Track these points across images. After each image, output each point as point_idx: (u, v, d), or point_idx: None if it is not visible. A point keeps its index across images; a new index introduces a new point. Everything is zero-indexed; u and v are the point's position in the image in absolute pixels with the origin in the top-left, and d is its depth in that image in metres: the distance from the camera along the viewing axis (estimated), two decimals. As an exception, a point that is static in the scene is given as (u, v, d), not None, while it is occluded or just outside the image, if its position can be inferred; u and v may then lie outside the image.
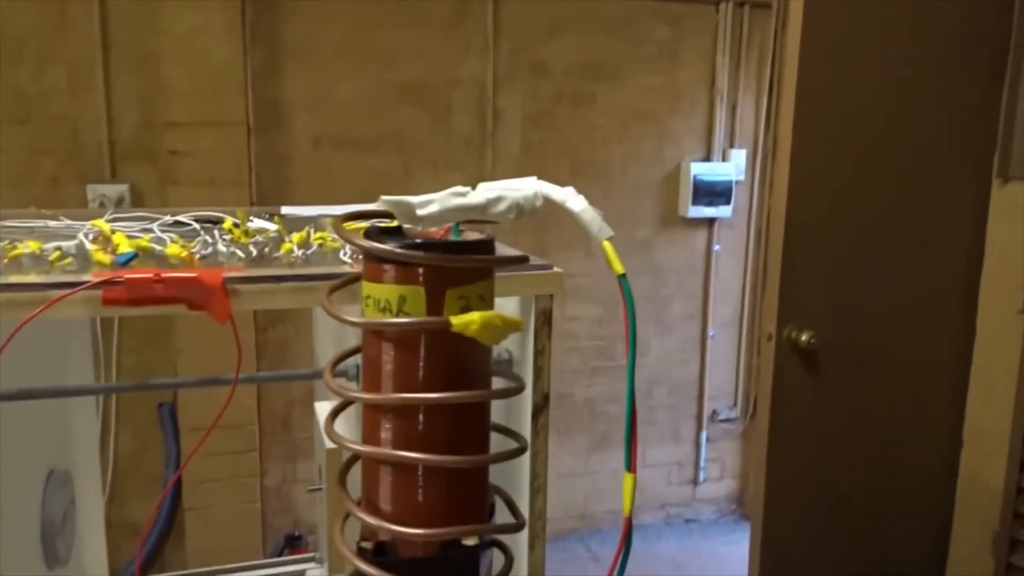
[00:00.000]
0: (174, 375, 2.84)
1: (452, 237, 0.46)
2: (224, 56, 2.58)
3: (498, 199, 0.43)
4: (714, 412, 3.53)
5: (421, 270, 0.43)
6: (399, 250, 0.42)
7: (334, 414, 0.48)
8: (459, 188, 0.43)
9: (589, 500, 3.39)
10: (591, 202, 0.46)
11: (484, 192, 0.43)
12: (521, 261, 0.48)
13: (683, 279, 3.40)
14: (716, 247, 3.37)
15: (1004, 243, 2.42)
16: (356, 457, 0.49)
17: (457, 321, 0.42)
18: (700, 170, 3.22)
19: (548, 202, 0.46)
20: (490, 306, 0.45)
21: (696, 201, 3.20)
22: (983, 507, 2.48)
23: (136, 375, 2.76)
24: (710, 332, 3.47)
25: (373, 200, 0.46)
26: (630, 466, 0.46)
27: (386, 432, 0.43)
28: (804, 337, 2.24)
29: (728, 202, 3.23)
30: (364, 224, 0.48)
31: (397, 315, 0.42)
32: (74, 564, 1.02)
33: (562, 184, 0.46)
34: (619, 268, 0.45)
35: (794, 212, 2.24)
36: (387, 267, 0.43)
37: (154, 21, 2.55)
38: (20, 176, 2.59)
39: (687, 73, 3.23)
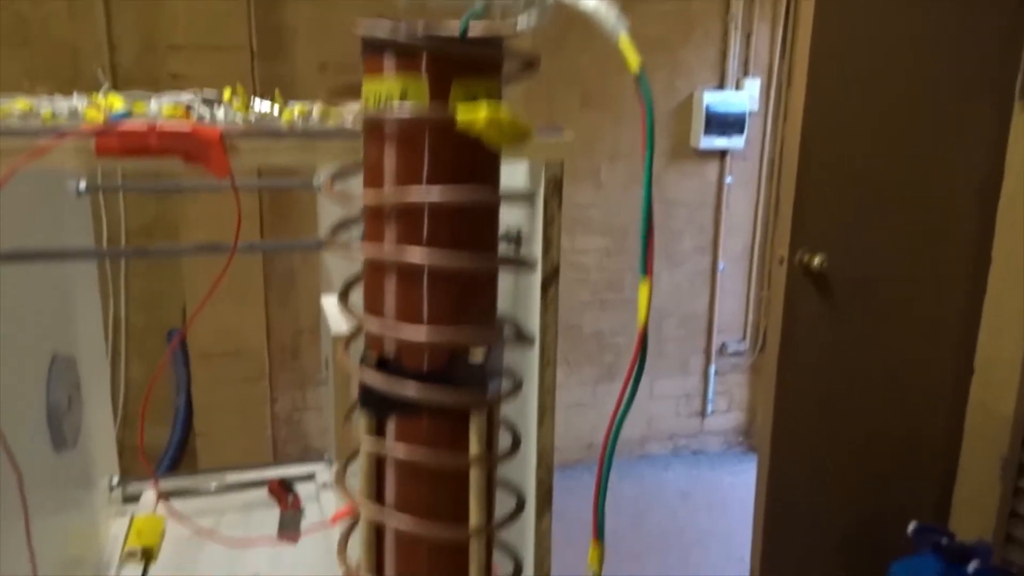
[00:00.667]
0: (183, 302, 2.84)
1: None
2: (227, -25, 2.51)
3: (507, -14, 0.41)
4: (723, 345, 3.53)
5: (424, 58, 0.40)
6: (400, 37, 0.39)
7: (337, 226, 0.45)
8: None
9: (596, 431, 3.41)
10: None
11: (494, -21, 0.41)
12: (534, 61, 0.45)
13: (694, 212, 3.36)
14: (728, 179, 3.32)
15: (1023, 169, 2.37)
16: (356, 280, 0.47)
17: (463, 112, 0.40)
18: (713, 100, 3.15)
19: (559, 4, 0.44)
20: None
21: (708, 132, 3.14)
22: (992, 434, 2.47)
23: (142, 301, 2.76)
24: (720, 265, 3.44)
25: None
26: (646, 270, 0.44)
27: (389, 234, 0.41)
28: (816, 261, 2.22)
29: (741, 132, 3.17)
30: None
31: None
32: (81, 448, 1.03)
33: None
34: (635, 64, 0.42)
35: (809, 135, 2.20)
36: (387, 57, 0.41)
37: (155, -60, 2.48)
38: (21, 101, 2.56)
39: (701, 0, 3.14)
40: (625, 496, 3.25)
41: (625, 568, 2.80)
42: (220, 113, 0.79)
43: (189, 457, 2.91)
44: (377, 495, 0.47)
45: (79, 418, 1.01)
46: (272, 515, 1.34)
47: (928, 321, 2.51)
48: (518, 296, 0.86)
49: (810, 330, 2.32)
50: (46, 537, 0.86)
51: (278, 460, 2.99)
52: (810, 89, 2.22)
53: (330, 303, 1.10)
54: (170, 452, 2.81)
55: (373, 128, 0.42)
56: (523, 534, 0.91)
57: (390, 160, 0.41)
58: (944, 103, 2.30)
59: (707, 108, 3.14)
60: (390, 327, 0.42)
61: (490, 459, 0.46)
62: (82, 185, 1.09)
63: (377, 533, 0.48)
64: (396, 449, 0.44)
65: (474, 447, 0.43)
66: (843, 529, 2.57)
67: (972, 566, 2.22)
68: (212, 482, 1.43)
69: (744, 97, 3.18)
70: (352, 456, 0.51)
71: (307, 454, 3.03)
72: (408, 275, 0.42)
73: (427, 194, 0.41)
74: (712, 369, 3.53)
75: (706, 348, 3.52)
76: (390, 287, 0.42)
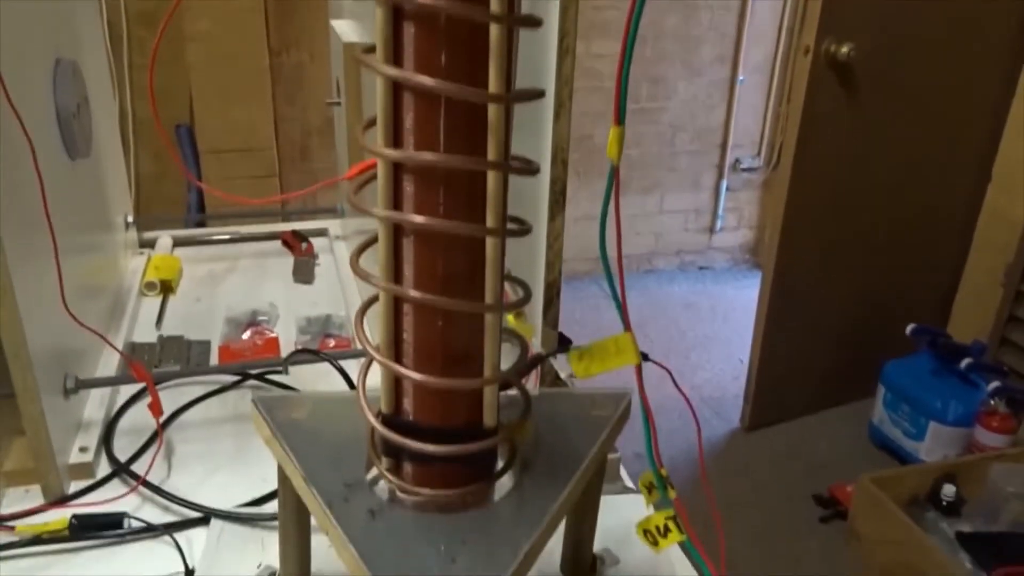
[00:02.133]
0: (189, 100, 2.78)
1: None
2: None
3: None
4: (736, 161, 3.48)
5: None
6: None
7: None
8: None
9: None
10: None
11: None
12: None
13: (716, 18, 3.21)
14: (755, -19, 3.15)
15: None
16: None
17: None
18: None
19: None
20: None
21: (738, -77, 2.94)
22: (1001, 241, 2.47)
23: (147, 94, 2.70)
24: (740, 77, 3.33)
25: None
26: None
27: None
28: (844, 50, 2.13)
29: (773, -77, 2.96)
30: None
31: None
32: (94, 159, 1.02)
33: None
34: None
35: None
36: None
37: None
38: None
39: None
40: (630, 305, 3.29)
41: (626, 369, 2.90)
42: None
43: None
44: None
45: (89, 128, 1.00)
46: (286, 262, 1.36)
47: (951, 121, 2.45)
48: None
49: (829, 131, 2.26)
50: (66, 250, 0.86)
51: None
52: None
53: (338, 23, 1.06)
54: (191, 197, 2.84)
55: None
56: (535, 240, 0.92)
57: None
58: None
59: (738, -100, 2.92)
60: None
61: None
62: None
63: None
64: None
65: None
66: (842, 333, 2.63)
67: (964, 363, 2.29)
68: (225, 233, 1.44)
69: None
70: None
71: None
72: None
73: None
74: (724, 185, 3.50)
75: (719, 163, 3.47)
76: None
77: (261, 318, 1.15)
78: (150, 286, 1.23)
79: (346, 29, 1.02)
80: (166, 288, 1.24)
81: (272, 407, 0.61)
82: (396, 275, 0.50)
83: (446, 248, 0.48)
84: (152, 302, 1.22)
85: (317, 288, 1.29)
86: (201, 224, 2.86)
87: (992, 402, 2.12)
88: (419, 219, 0.47)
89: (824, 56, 2.14)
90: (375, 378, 0.55)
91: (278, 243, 1.42)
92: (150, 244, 1.38)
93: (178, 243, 1.41)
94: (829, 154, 2.30)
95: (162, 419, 0.87)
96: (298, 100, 2.93)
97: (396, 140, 0.47)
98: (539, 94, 0.49)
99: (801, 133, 2.24)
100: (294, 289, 1.28)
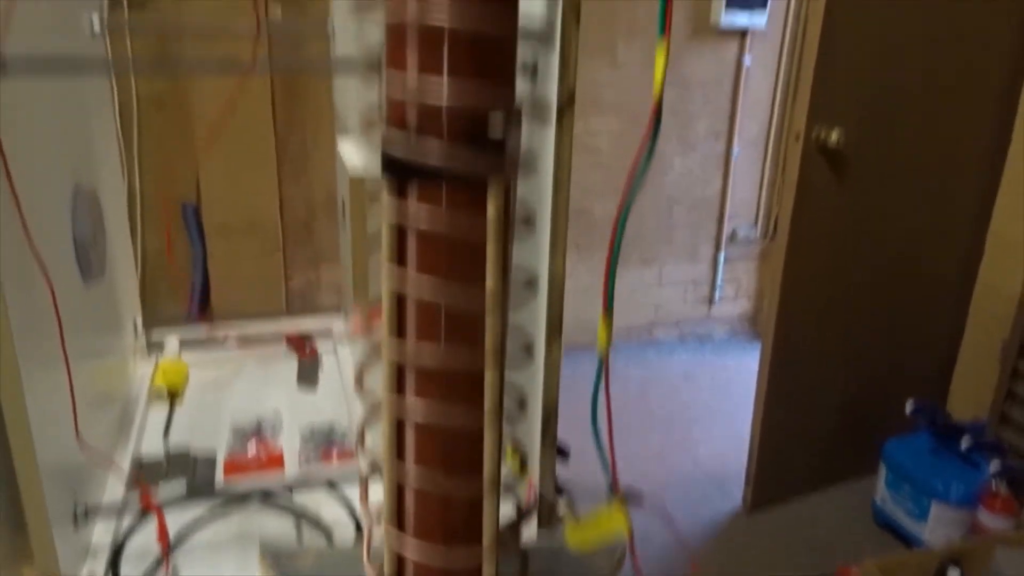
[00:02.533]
0: (195, 177, 2.85)
1: None
2: None
3: None
4: (733, 232, 3.53)
5: None
6: None
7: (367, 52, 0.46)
8: None
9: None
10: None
11: None
12: None
13: (710, 93, 3.30)
14: (747, 60, 3.24)
15: (1053, 45, 2.30)
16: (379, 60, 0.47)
17: None
18: (736, -26, 3.04)
19: None
20: None
21: (730, 6, 3.04)
22: (997, 316, 2.50)
23: (156, 173, 2.77)
24: (735, 150, 3.40)
25: None
26: (664, 30, 0.45)
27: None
28: (834, 137, 2.19)
29: (764, 6, 3.07)
30: None
31: None
32: (108, 280, 1.06)
33: None
34: None
35: (834, 8, 2.13)
36: None
37: None
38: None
39: None
40: (631, 377, 3.33)
41: (628, 442, 2.90)
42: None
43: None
44: (399, 263, 0.49)
45: (103, 251, 1.04)
46: (290, 364, 1.39)
47: (942, 202, 2.50)
48: (532, 133, 0.86)
49: (822, 209, 2.31)
50: (77, 370, 0.89)
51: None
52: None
53: (346, 146, 1.10)
54: (194, 299, 2.87)
55: None
56: (534, 377, 0.95)
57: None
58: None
59: (730, -18, 3.04)
60: (411, 85, 0.43)
61: (507, 228, 0.47)
62: (96, 26, 1.08)
63: (399, 308, 0.50)
64: (418, 212, 0.46)
65: (491, 211, 0.45)
66: (842, 408, 2.64)
67: (965, 443, 2.30)
68: (231, 333, 1.47)
69: (769, -28, 3.07)
70: (374, 237, 0.53)
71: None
72: (430, 36, 0.42)
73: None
74: (721, 256, 3.54)
75: (716, 235, 3.53)
76: (412, 47, 0.43)
77: (266, 428, 1.17)
78: (158, 393, 1.25)
79: (352, 155, 1.07)
80: (173, 395, 1.26)
81: (279, 557, 0.64)
82: (399, 451, 0.52)
83: (445, 436, 0.51)
84: (160, 409, 1.25)
85: (321, 392, 1.32)
86: (206, 308, 2.92)
87: (993, 484, 2.12)
88: (421, 409, 0.50)
89: (815, 142, 2.20)
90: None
91: (283, 343, 1.45)
92: (158, 346, 1.41)
93: (185, 344, 1.43)
94: (823, 231, 2.35)
95: (168, 545, 0.89)
96: (303, 178, 3.00)
97: (400, 331, 0.50)
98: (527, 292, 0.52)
99: (795, 213, 2.29)
100: (298, 395, 1.30)
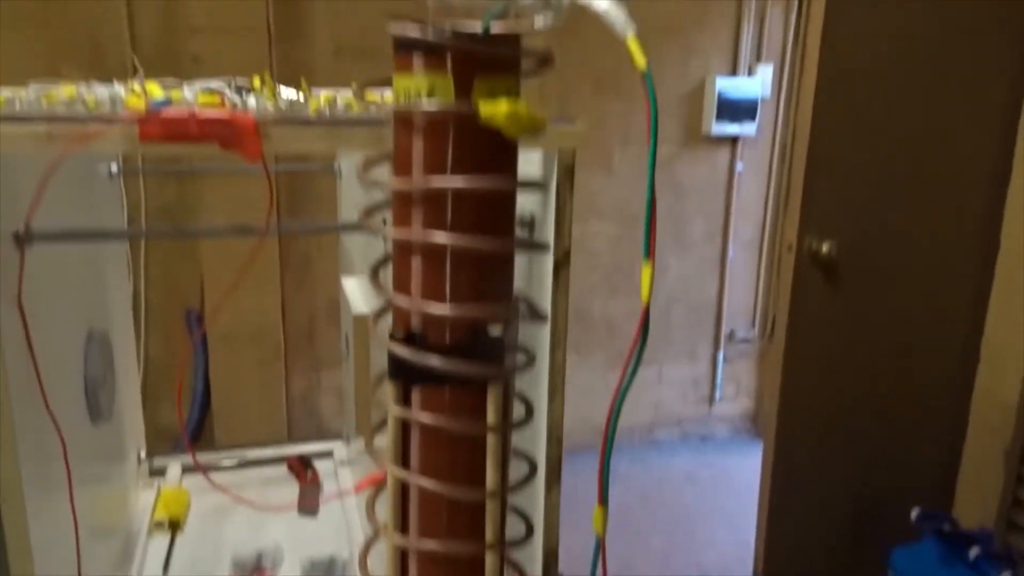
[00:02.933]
0: (200, 286, 2.90)
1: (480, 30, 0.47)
2: (245, -40, 2.55)
3: (525, -10, 0.44)
4: (732, 332, 3.56)
5: (450, 57, 0.44)
6: (430, 35, 0.43)
7: (369, 209, 0.49)
8: (489, -22, 0.44)
9: (605, 416, 3.45)
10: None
11: (512, -17, 0.45)
12: (549, 58, 0.49)
13: (704, 198, 3.38)
14: (739, 166, 3.34)
15: (1033, 155, 2.37)
16: (385, 261, 0.51)
17: (484, 107, 0.44)
18: (725, 86, 3.16)
19: (573, 3, 0.47)
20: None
21: (720, 118, 3.16)
22: (997, 423, 2.50)
23: (161, 280, 2.82)
24: (730, 252, 3.46)
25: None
26: (649, 254, 0.48)
27: (416, 219, 0.45)
28: (825, 248, 2.24)
29: (753, 118, 3.18)
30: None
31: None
32: (115, 420, 1.08)
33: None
34: (642, 64, 0.46)
35: (820, 122, 2.22)
36: (416, 56, 0.44)
37: (174, -77, 2.52)
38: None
39: (714, -15, 3.16)
40: (633, 479, 3.30)
41: (632, 546, 2.85)
42: (251, 101, 0.83)
43: (206, 436, 2.97)
44: (403, 459, 0.51)
45: (112, 391, 1.06)
46: (291, 490, 1.39)
47: (936, 308, 2.53)
48: (531, 279, 0.90)
49: (818, 317, 2.35)
50: (82, 506, 0.91)
51: (292, 438, 3.06)
52: (821, 75, 2.24)
53: (349, 284, 1.14)
54: (187, 432, 2.87)
55: (402, 120, 0.46)
56: (534, 505, 0.96)
57: (418, 150, 0.45)
58: (954, 92, 2.31)
59: (719, 94, 3.16)
60: (417, 304, 0.46)
61: (506, 427, 0.50)
62: (113, 167, 1.14)
63: (403, 493, 0.52)
64: (421, 416, 0.48)
65: (491, 415, 0.48)
66: (846, 513, 2.61)
67: (974, 552, 2.26)
68: (233, 458, 1.48)
69: (756, 83, 3.20)
70: (380, 425, 0.55)
71: (321, 435, 3.09)
72: (433, 255, 0.46)
73: (451, 181, 0.45)
74: (720, 356, 3.56)
75: (715, 335, 3.55)
76: (416, 267, 0.46)
77: (266, 561, 1.17)
78: (159, 525, 1.25)
79: (356, 293, 1.10)
80: (174, 525, 1.26)
81: None
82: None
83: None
84: (161, 538, 1.24)
85: (322, 518, 1.31)
86: (207, 411, 2.92)
87: (1004, 597, 2.07)
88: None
89: (807, 252, 2.25)
90: None
91: (284, 467, 1.46)
92: (160, 472, 1.42)
93: (187, 469, 1.44)
94: (820, 336, 2.38)
95: None
96: (305, 284, 3.05)
97: (403, 525, 0.52)
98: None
99: (791, 319, 2.33)
100: (299, 523, 1.30)
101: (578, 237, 3.19)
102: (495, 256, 0.47)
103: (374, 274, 0.51)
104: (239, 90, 0.87)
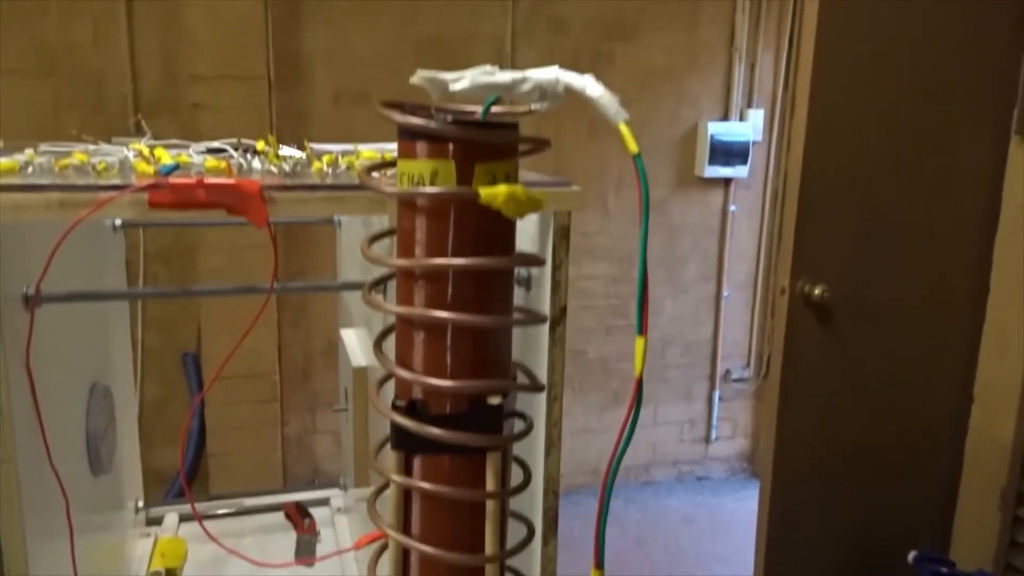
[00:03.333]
0: (197, 330, 2.91)
1: (480, 118, 0.49)
2: (245, 9, 2.61)
3: (523, 80, 0.47)
4: (727, 372, 3.57)
5: (452, 145, 0.46)
6: (433, 124, 0.46)
7: (373, 283, 0.52)
8: (488, 67, 0.47)
9: (602, 456, 3.45)
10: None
11: (511, 73, 0.47)
12: (545, 143, 0.51)
13: (698, 239, 3.42)
14: (732, 207, 3.39)
15: (1021, 200, 2.42)
16: (388, 331, 0.53)
17: (485, 192, 0.46)
18: (717, 130, 3.22)
19: (568, 91, 0.50)
20: (515, 184, 0.48)
21: (713, 161, 3.21)
22: (992, 463, 2.51)
23: (158, 323, 2.83)
24: (725, 293, 3.49)
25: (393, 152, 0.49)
26: (642, 329, 0.50)
27: (419, 296, 0.48)
28: (818, 291, 2.27)
29: (745, 162, 3.24)
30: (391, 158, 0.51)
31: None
32: (114, 472, 1.08)
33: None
34: (634, 148, 0.48)
35: (811, 165, 2.26)
36: (420, 142, 0.47)
37: (177, -26, 2.58)
38: (44, 130, 2.64)
39: (706, 31, 3.22)
40: (629, 520, 3.28)
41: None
42: (256, 163, 0.86)
43: (200, 477, 2.96)
44: (404, 525, 0.53)
45: (113, 444, 1.07)
46: (289, 538, 1.39)
47: (928, 350, 2.55)
48: (528, 334, 0.92)
49: (812, 360, 2.37)
50: (81, 558, 0.91)
51: (287, 482, 3.04)
52: (811, 119, 2.28)
53: (348, 336, 1.16)
54: (185, 477, 2.86)
55: (406, 203, 0.48)
56: (531, 558, 0.96)
57: (421, 230, 0.48)
58: (945, 134, 2.36)
59: (712, 138, 3.21)
60: (419, 377, 0.48)
61: (504, 493, 0.51)
62: (118, 221, 1.16)
63: (404, 556, 0.54)
64: (422, 485, 0.50)
65: (490, 483, 0.49)
66: (844, 555, 2.60)
67: (972, 594, 2.26)
68: (230, 507, 1.48)
69: (748, 127, 3.26)
70: (381, 489, 0.57)
71: (318, 477, 3.08)
72: (435, 331, 0.48)
73: (452, 262, 0.47)
74: (716, 395, 3.57)
75: (710, 375, 3.56)
76: (419, 341, 0.48)
77: (263, 613, 1.17)
78: (156, 575, 1.25)
79: (355, 345, 1.12)
80: None
81: None
82: None
83: None
84: (156, 589, 1.24)
85: (319, 567, 1.31)
86: (199, 461, 2.92)
87: (1002, 642, 2.06)
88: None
89: (800, 296, 2.28)
90: None
91: (281, 515, 1.46)
92: (157, 521, 1.42)
93: (184, 517, 1.44)
94: (815, 378, 2.39)
95: None
96: (302, 324, 3.06)
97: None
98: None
99: (785, 360, 2.34)
100: (297, 573, 1.30)
101: (573, 278, 3.21)
102: (495, 330, 0.49)
103: (377, 346, 0.53)
104: (245, 151, 0.90)
